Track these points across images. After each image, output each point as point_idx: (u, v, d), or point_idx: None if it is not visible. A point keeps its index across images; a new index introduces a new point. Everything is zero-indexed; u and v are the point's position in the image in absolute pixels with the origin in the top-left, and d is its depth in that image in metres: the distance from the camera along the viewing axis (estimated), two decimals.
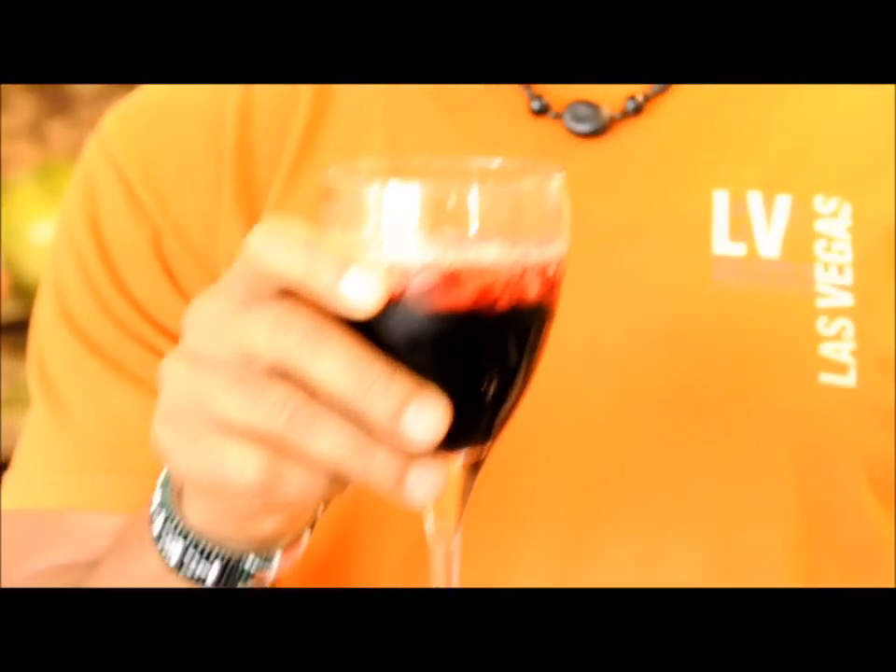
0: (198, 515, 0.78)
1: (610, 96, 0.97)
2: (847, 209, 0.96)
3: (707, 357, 0.94)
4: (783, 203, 0.96)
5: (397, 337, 0.67)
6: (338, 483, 0.69)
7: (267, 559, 0.80)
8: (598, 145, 0.97)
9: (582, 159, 0.96)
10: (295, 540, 0.80)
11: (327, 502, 0.79)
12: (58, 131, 3.11)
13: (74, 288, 0.99)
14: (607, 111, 0.96)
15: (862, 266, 0.95)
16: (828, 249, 0.95)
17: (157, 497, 0.81)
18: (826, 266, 0.95)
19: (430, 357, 0.68)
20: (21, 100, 3.03)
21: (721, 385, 0.94)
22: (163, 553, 0.80)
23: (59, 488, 0.98)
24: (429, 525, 0.74)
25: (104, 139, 1.01)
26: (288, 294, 0.67)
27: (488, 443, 0.72)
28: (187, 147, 1.00)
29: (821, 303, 0.94)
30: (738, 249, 0.95)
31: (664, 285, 0.95)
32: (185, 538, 0.79)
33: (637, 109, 0.97)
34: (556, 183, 0.71)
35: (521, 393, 0.72)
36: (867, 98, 0.99)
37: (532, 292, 0.70)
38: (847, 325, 0.94)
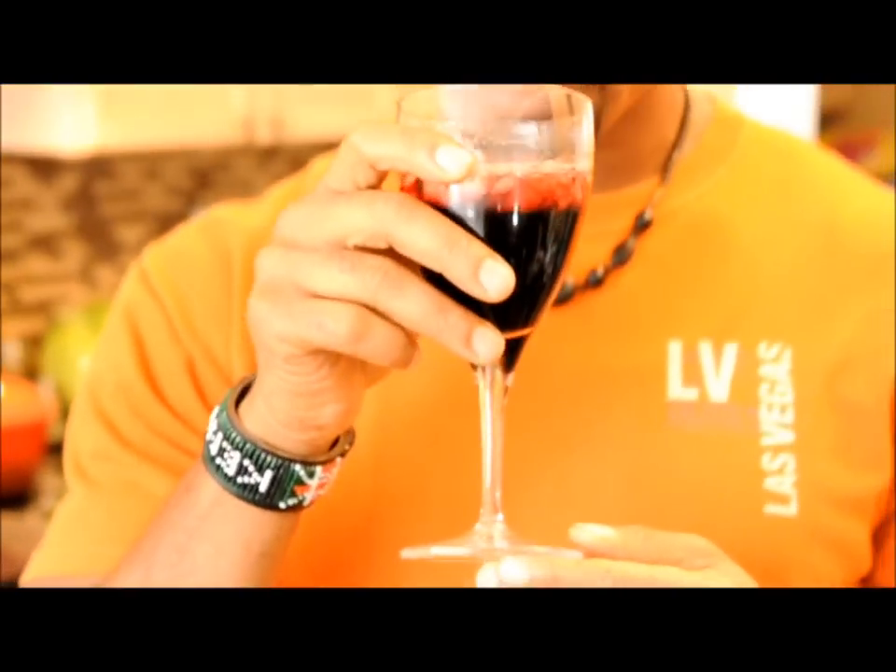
0: (258, 421, 0.80)
1: (575, 270, 0.94)
2: (787, 354, 0.95)
3: (663, 493, 0.93)
4: (730, 351, 0.95)
5: (476, 227, 0.72)
6: (407, 351, 0.73)
7: (309, 473, 0.80)
8: (565, 310, 0.94)
9: (549, 321, 0.87)
10: (330, 461, 0.81)
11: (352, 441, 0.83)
12: (105, 275, 3.13)
13: (110, 394, 0.98)
14: (571, 283, 0.94)
15: (803, 405, 0.94)
16: (771, 391, 0.95)
17: (212, 425, 0.81)
18: (770, 407, 0.94)
19: (499, 239, 0.73)
20: (73, 247, 3.07)
21: (676, 518, 0.90)
22: (221, 468, 0.80)
23: (88, 556, 0.96)
24: (483, 393, 0.76)
25: (145, 276, 1.01)
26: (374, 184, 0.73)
27: (529, 329, 0.76)
28: (207, 285, 0.99)
29: (765, 441, 0.94)
30: (691, 394, 0.94)
31: (624, 427, 0.93)
32: (241, 449, 0.80)
33: (598, 281, 0.95)
34: (588, 116, 0.75)
35: (555, 285, 0.76)
36: (804, 251, 0.98)
37: (570, 193, 0.75)
38: (788, 460, 0.93)
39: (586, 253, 0.89)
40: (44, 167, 3.00)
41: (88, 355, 2.82)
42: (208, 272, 0.99)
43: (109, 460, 0.96)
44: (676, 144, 0.98)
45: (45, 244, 3.03)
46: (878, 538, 0.95)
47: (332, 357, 0.76)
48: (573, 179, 0.75)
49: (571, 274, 0.93)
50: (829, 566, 0.93)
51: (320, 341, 0.72)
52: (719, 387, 0.94)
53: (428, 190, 0.73)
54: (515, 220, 0.73)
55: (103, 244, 3.14)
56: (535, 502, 0.91)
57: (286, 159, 3.39)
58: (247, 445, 0.79)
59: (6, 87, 2.72)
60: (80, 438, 0.98)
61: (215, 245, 1.00)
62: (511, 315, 0.75)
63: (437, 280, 0.72)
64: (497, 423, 0.77)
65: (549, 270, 0.76)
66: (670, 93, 0.98)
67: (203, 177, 3.31)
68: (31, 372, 2.93)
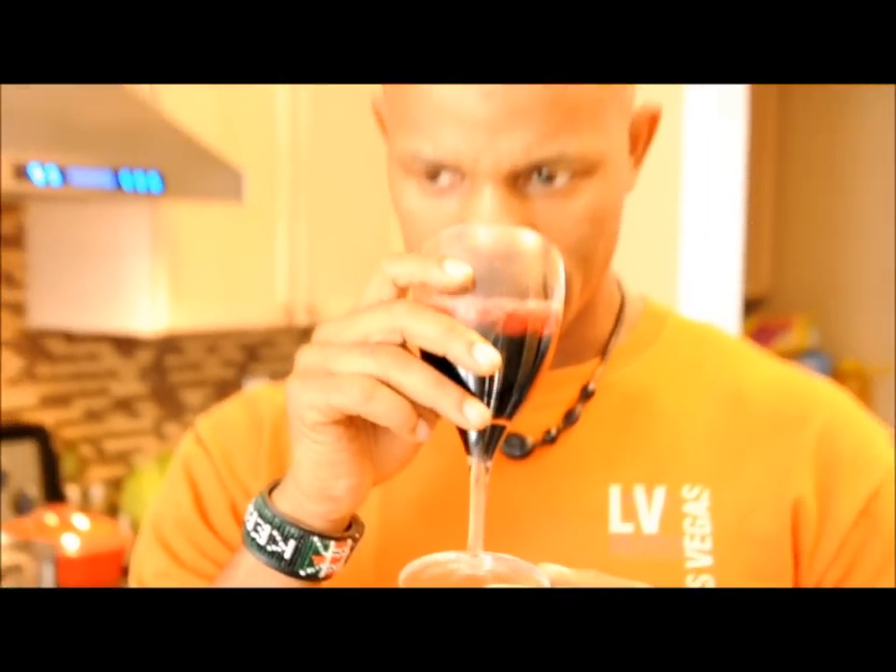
0: (286, 498, 0.83)
1: (533, 430, 0.95)
2: (706, 494, 0.95)
3: None
4: (659, 492, 0.95)
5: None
6: (409, 419, 0.76)
7: (325, 545, 0.83)
8: (527, 463, 0.95)
9: (514, 472, 0.95)
10: (342, 539, 0.83)
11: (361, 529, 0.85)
12: (173, 430, 3.14)
13: (171, 527, 0.99)
14: (530, 441, 0.95)
15: (719, 535, 0.93)
16: (693, 524, 0.94)
17: (249, 509, 0.85)
18: (692, 537, 0.94)
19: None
20: (148, 409, 3.08)
21: None
22: (255, 539, 0.83)
23: None
24: (472, 460, 0.79)
25: (199, 438, 1.02)
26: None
27: (507, 420, 0.79)
28: (245, 446, 1.00)
29: (689, 564, 0.93)
30: (628, 528, 0.94)
31: (574, 554, 0.91)
32: (271, 523, 0.83)
33: (553, 439, 0.96)
34: (562, 271, 0.79)
35: (530, 391, 0.79)
36: (716, 414, 0.98)
37: (545, 325, 0.78)
38: (708, 579, 0.93)
39: (542, 417, 0.96)
40: (125, 344, 3.03)
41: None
42: (245, 436, 1.01)
43: (168, 578, 0.97)
44: (613, 333, 0.99)
45: (125, 406, 3.06)
46: None
47: (350, 433, 0.80)
48: (549, 316, 0.78)
49: (530, 434, 0.95)
50: None
51: (338, 401, 0.76)
52: (650, 522, 0.94)
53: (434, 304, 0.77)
54: (501, 343, 0.76)
55: (171, 406, 3.16)
56: None
57: None
58: (276, 519, 0.83)
59: (93, 278, 2.74)
60: (144, 561, 0.99)
61: (251, 416, 1.02)
62: (494, 406, 0.77)
63: (437, 367, 0.76)
64: (481, 492, 0.80)
65: (525, 379, 0.78)
66: (609, 295, 1.00)
67: (253, 352, 3.35)
68: (112, 510, 2.92)
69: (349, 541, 0.84)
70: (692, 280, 3.34)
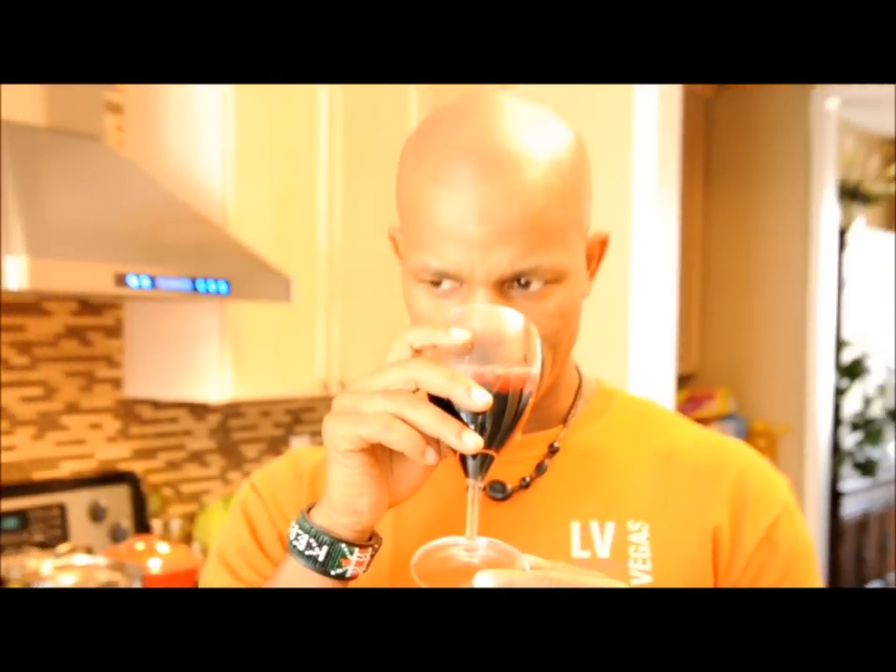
0: (320, 513, 0.83)
1: (512, 479, 0.94)
2: (646, 527, 0.93)
3: None
4: (610, 526, 0.93)
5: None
6: (419, 446, 0.76)
7: (350, 551, 0.82)
8: (506, 504, 0.94)
9: (497, 510, 0.93)
10: (364, 547, 0.83)
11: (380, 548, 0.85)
12: (235, 478, 3.08)
13: (233, 552, 0.97)
14: (510, 487, 0.94)
15: (657, 558, 0.92)
16: (636, 550, 0.92)
17: (293, 524, 0.84)
18: (635, 560, 0.92)
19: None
20: (215, 460, 3.02)
21: None
22: (296, 546, 0.83)
23: None
24: (469, 480, 0.79)
25: (254, 486, 1.01)
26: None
27: (496, 451, 0.79)
28: (289, 492, 0.98)
29: (633, 582, 0.91)
30: (585, 554, 0.92)
31: None
32: (308, 532, 0.83)
33: (526, 486, 0.94)
34: (539, 344, 0.80)
35: (515, 431, 0.80)
36: (653, 467, 0.97)
37: (525, 384, 0.79)
38: None
39: (519, 468, 0.95)
40: (198, 410, 3.00)
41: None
42: (290, 485, 1.00)
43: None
44: (573, 406, 0.99)
45: (198, 458, 3.02)
46: None
47: (371, 460, 0.80)
48: (529, 377, 0.78)
49: (510, 481, 0.94)
50: None
51: (363, 432, 0.76)
52: (603, 549, 0.93)
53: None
54: (493, 398, 0.76)
55: (234, 458, 3.12)
56: None
57: None
58: (312, 529, 0.83)
59: (174, 358, 2.73)
60: (211, 579, 0.98)
61: (294, 470, 1.01)
62: (486, 439, 0.77)
63: (443, 408, 0.76)
64: (475, 506, 0.79)
65: (510, 422, 0.79)
66: (570, 377, 0.99)
67: (297, 416, 3.29)
68: (187, 538, 2.88)
69: (370, 549, 0.84)
70: (637, 361, 3.35)
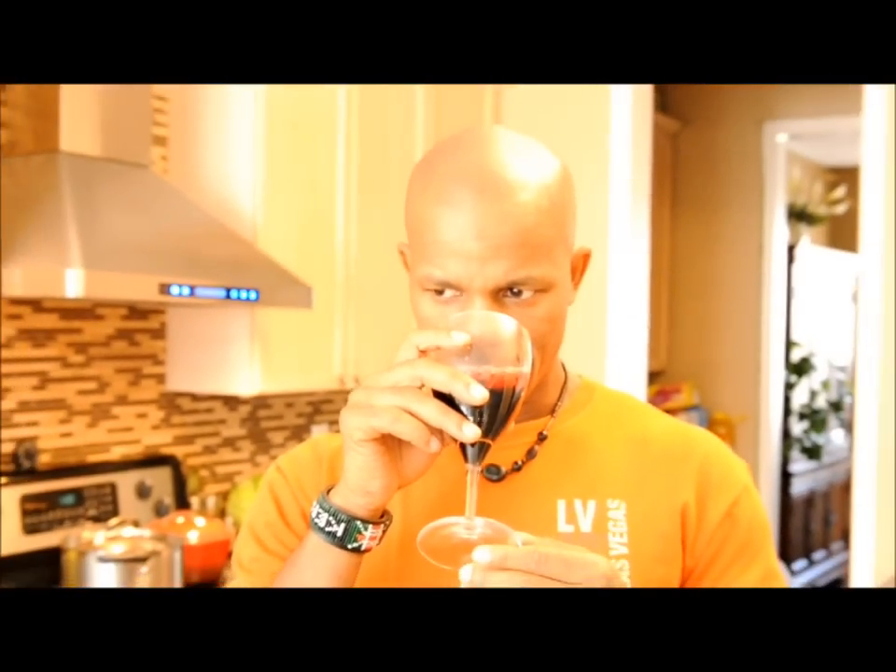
0: (338, 494, 0.82)
1: (506, 462, 0.93)
2: (623, 505, 0.92)
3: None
4: (591, 504, 0.92)
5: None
6: (426, 436, 0.76)
7: (364, 527, 0.82)
8: (501, 485, 0.93)
9: (493, 490, 0.92)
10: (377, 523, 0.83)
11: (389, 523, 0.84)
12: (263, 461, 3.04)
13: (261, 526, 0.96)
14: (504, 469, 0.93)
15: (633, 532, 0.92)
16: (615, 525, 0.92)
17: (314, 503, 0.84)
18: (614, 534, 0.91)
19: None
20: (246, 445, 3.00)
21: None
22: (317, 524, 0.83)
23: None
24: (468, 465, 0.79)
25: (280, 467, 1.00)
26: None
27: (492, 439, 0.78)
28: (311, 473, 0.97)
29: (612, 552, 0.90)
30: (570, 528, 0.91)
31: None
32: (328, 511, 0.83)
33: (518, 468, 0.93)
34: (530, 346, 0.79)
35: (509, 422, 0.79)
36: (630, 451, 0.96)
37: (518, 381, 0.78)
38: (625, 563, 0.90)
39: (512, 453, 0.94)
40: (231, 401, 2.99)
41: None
42: (311, 467, 0.98)
43: (259, 562, 0.95)
44: (559, 399, 0.98)
45: (231, 443, 3.00)
46: None
47: (382, 448, 0.79)
48: (521, 375, 0.78)
49: (504, 465, 0.94)
50: None
51: (375, 423, 0.76)
52: (585, 524, 0.92)
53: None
54: (489, 394, 0.76)
55: (262, 444, 3.10)
56: None
57: None
58: (331, 508, 0.83)
59: (210, 357, 2.73)
60: (242, 549, 0.98)
61: (315, 454, 1.00)
62: (483, 429, 0.77)
63: (445, 402, 0.76)
64: (474, 488, 0.79)
65: (504, 414, 0.78)
66: (556, 374, 0.98)
67: (317, 408, 3.27)
68: (221, 514, 2.87)
69: (382, 526, 0.84)
70: (614, 359, 3.34)
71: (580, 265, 0.94)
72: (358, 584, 0.87)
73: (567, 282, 0.91)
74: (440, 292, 0.86)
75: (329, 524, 0.83)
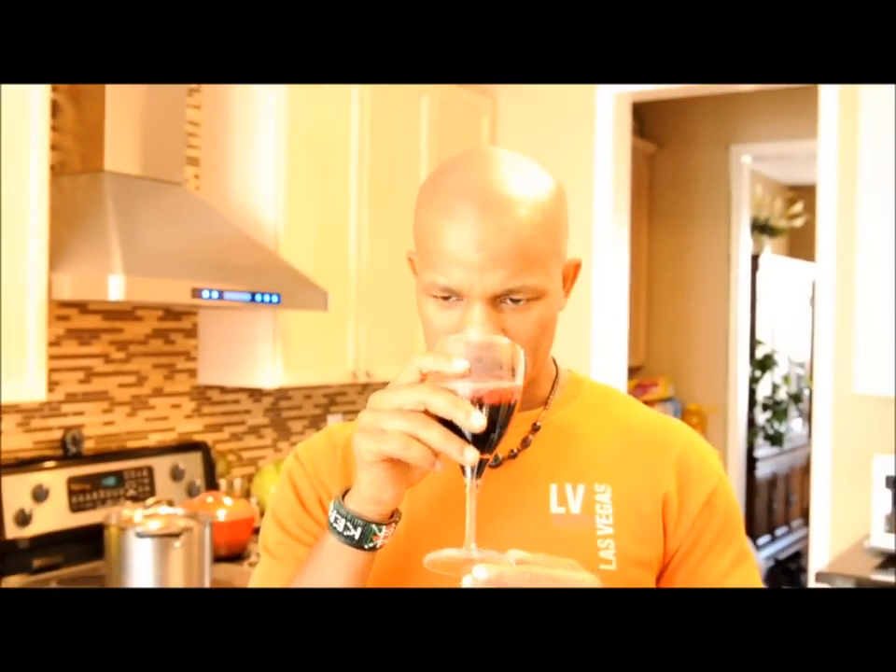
0: (354, 501, 0.80)
1: (504, 450, 0.91)
2: (609, 489, 0.91)
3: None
4: (580, 488, 0.91)
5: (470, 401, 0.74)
6: (431, 459, 0.74)
7: (379, 529, 0.80)
8: (498, 470, 0.91)
9: (492, 475, 0.88)
10: (389, 524, 0.81)
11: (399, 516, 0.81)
12: (284, 446, 3.04)
13: (283, 513, 0.95)
14: (501, 456, 0.91)
15: (618, 514, 0.90)
16: (601, 508, 0.90)
17: (331, 508, 0.82)
18: (601, 515, 0.90)
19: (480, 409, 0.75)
20: (268, 433, 2.98)
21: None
22: (335, 528, 0.81)
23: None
24: (468, 481, 0.77)
25: (298, 455, 0.98)
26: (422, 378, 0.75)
27: (489, 455, 0.76)
28: (326, 461, 0.96)
29: (599, 532, 0.89)
30: (561, 510, 0.90)
31: (529, 526, 0.89)
32: (345, 517, 0.80)
33: (514, 455, 0.92)
34: (522, 357, 0.77)
35: (503, 437, 0.77)
36: (615, 440, 0.94)
37: (513, 395, 0.76)
38: (610, 542, 0.89)
39: (509, 442, 0.92)
40: (255, 393, 2.98)
41: (273, 486, 2.83)
42: (327, 455, 0.97)
43: (282, 545, 0.94)
44: (551, 392, 0.96)
45: (255, 431, 2.99)
46: (660, 579, 0.92)
47: (391, 465, 0.77)
48: (515, 389, 0.76)
49: (502, 453, 0.92)
50: None
51: (386, 449, 0.74)
52: (575, 506, 0.90)
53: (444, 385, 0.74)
54: (485, 407, 0.75)
55: (283, 431, 3.08)
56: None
57: (373, 391, 3.35)
58: (348, 514, 0.81)
59: (237, 353, 2.72)
60: (267, 534, 0.96)
61: (331, 442, 0.98)
62: (481, 447, 0.75)
63: (447, 425, 0.74)
64: (473, 500, 0.77)
65: (500, 429, 0.76)
66: (549, 369, 0.97)
67: (332, 399, 3.26)
68: (246, 494, 2.87)
69: (393, 525, 0.82)
70: (598, 356, 3.33)
71: (570, 274, 0.93)
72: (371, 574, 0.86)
73: (559, 290, 0.90)
74: (444, 298, 0.85)
75: (346, 528, 0.81)
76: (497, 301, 0.84)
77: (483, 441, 0.75)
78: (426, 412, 0.75)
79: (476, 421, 0.73)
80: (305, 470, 0.96)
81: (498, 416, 0.76)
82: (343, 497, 0.82)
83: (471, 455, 0.74)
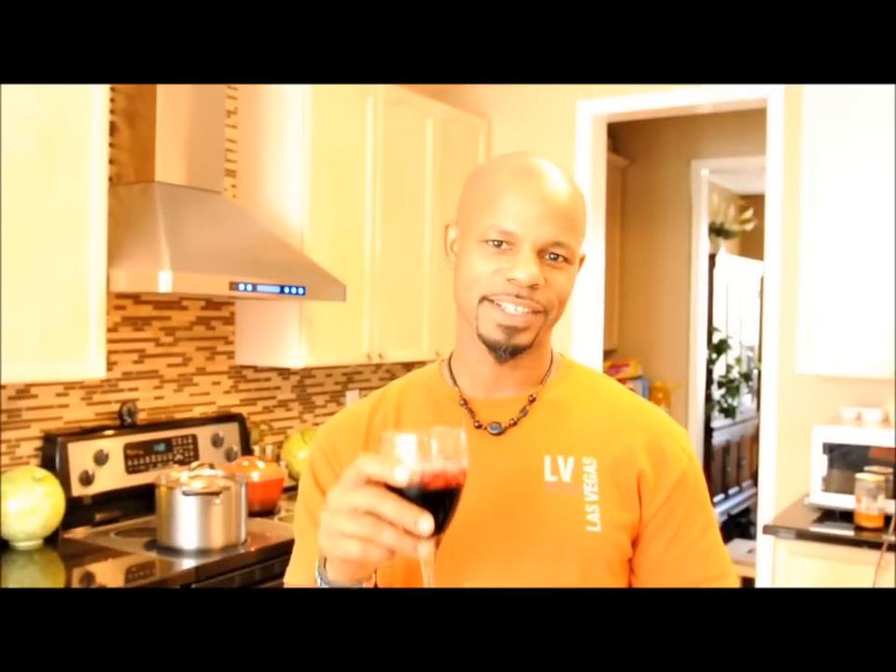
0: (332, 574, 0.75)
1: (505, 420, 0.90)
2: (594, 461, 0.89)
3: (540, 521, 0.87)
4: (570, 460, 0.89)
5: (414, 496, 0.68)
6: (389, 554, 0.69)
7: (359, 586, 0.76)
8: (500, 437, 0.90)
9: (493, 443, 0.90)
10: (369, 580, 0.77)
11: (379, 566, 0.76)
12: (309, 418, 3.02)
13: (306, 496, 0.93)
14: (502, 425, 0.90)
15: (602, 484, 0.88)
16: (588, 478, 0.88)
17: (317, 573, 0.77)
18: (588, 484, 0.88)
19: (427, 503, 0.68)
20: (295, 406, 2.95)
21: (546, 531, 0.87)
22: (321, 581, 0.77)
23: (296, 575, 0.91)
24: (424, 569, 0.71)
25: (319, 443, 0.95)
26: (370, 482, 0.69)
27: (440, 536, 0.70)
28: (348, 441, 0.93)
29: (586, 499, 0.88)
30: (554, 479, 0.88)
31: (525, 491, 0.88)
32: (326, 582, 0.76)
33: (514, 423, 0.90)
34: (464, 437, 0.71)
35: (451, 517, 0.71)
36: (601, 418, 0.92)
37: (460, 478, 0.70)
38: (596, 507, 0.88)
39: (509, 412, 0.91)
40: (284, 372, 2.96)
41: (300, 452, 2.82)
42: (348, 435, 0.94)
43: (310, 529, 0.91)
44: (547, 373, 0.95)
45: (284, 405, 2.97)
46: (635, 542, 0.90)
47: (354, 561, 0.71)
48: (462, 472, 0.70)
49: (503, 421, 0.90)
50: (613, 553, 0.88)
51: (350, 555, 0.69)
52: (566, 475, 0.89)
53: (388, 486, 0.68)
54: (432, 492, 0.69)
55: (308, 405, 3.06)
56: (477, 524, 0.85)
57: (385, 370, 3.34)
58: (330, 583, 0.76)
59: (276, 337, 2.69)
60: (298, 519, 0.94)
61: (352, 422, 0.95)
62: (434, 529, 0.68)
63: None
64: (430, 571, 0.71)
65: (448, 511, 0.70)
66: (549, 353, 0.96)
67: (350, 377, 3.23)
68: (276, 458, 2.85)
69: (374, 578, 0.77)
70: (578, 341, 3.31)
71: (579, 263, 0.94)
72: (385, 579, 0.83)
73: (576, 270, 0.91)
74: (496, 245, 0.85)
75: (330, 585, 0.76)
76: (542, 253, 0.86)
77: (435, 525, 0.69)
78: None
79: (424, 527, 0.67)
80: (325, 455, 0.94)
81: (447, 500, 0.70)
82: (325, 564, 0.76)
83: (425, 550, 0.68)
